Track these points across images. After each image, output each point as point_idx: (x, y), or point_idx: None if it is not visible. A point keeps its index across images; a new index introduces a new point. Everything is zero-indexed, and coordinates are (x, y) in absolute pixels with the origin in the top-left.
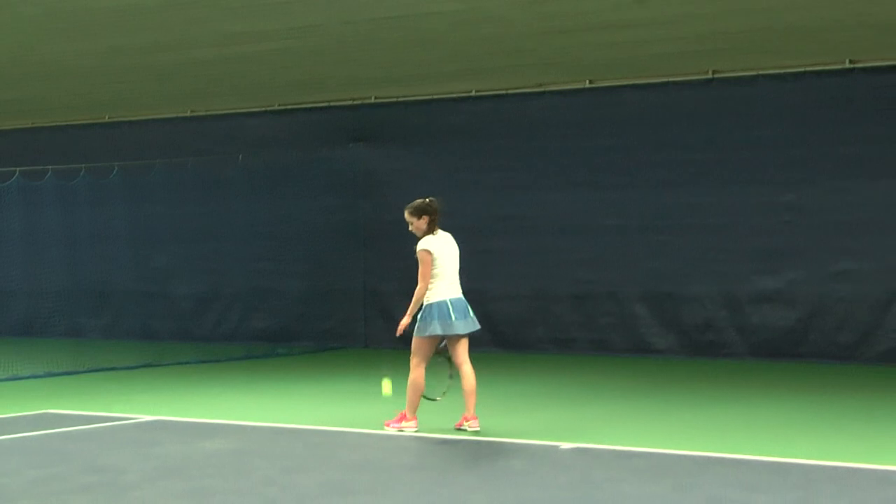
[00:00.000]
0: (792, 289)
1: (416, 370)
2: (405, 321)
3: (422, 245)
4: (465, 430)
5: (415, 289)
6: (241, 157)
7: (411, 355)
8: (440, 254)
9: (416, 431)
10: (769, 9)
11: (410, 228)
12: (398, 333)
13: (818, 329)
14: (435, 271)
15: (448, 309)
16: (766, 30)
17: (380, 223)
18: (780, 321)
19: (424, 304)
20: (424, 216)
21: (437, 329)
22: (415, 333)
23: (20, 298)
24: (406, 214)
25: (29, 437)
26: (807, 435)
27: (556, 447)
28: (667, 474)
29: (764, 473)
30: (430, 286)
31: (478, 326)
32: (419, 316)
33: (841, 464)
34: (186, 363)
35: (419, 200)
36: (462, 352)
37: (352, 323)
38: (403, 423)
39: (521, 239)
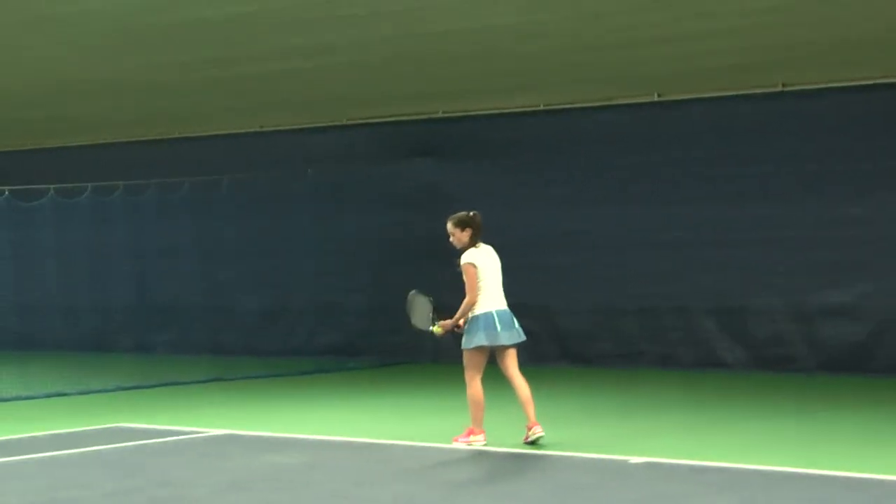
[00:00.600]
0: (861, 302)
1: (472, 383)
2: (449, 323)
3: (465, 258)
4: (535, 443)
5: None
6: (309, 172)
7: (464, 370)
8: (484, 266)
9: (484, 445)
10: (839, 20)
11: (452, 240)
12: (440, 335)
13: (889, 343)
14: (479, 283)
15: (494, 320)
16: (835, 41)
17: (446, 237)
18: (849, 335)
19: (470, 315)
20: (468, 229)
21: (482, 340)
22: (462, 346)
23: (89, 314)
24: (449, 226)
25: (100, 450)
26: (878, 450)
27: (626, 461)
28: (738, 489)
29: (835, 489)
30: (478, 301)
31: (523, 338)
32: (465, 328)
33: None
34: (254, 377)
35: (463, 213)
36: (511, 363)
37: (419, 337)
38: (472, 438)
39: (588, 253)
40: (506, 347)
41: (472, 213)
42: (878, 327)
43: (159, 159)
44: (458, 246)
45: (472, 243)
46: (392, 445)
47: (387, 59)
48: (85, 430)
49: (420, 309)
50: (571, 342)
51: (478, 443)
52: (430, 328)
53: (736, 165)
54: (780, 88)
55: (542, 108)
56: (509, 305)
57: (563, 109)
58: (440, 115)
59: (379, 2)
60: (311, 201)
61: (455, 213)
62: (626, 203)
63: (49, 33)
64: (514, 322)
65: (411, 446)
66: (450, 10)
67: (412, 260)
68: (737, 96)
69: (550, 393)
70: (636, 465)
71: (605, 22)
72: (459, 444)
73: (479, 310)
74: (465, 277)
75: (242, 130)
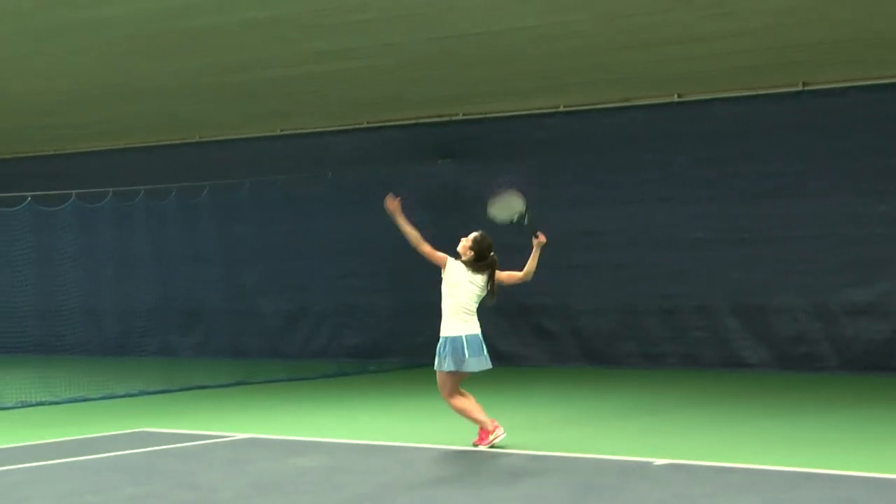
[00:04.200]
0: (886, 301)
1: (452, 401)
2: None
3: (454, 262)
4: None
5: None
6: (329, 174)
7: (440, 389)
8: (458, 282)
9: (504, 436)
10: (859, 18)
11: (460, 248)
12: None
13: None
14: (451, 302)
15: (462, 346)
16: (855, 40)
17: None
18: (874, 334)
19: (441, 336)
20: (472, 253)
21: (450, 365)
22: (435, 367)
23: (112, 318)
24: (470, 242)
25: (124, 455)
26: None
27: (649, 463)
28: (761, 490)
29: (860, 489)
30: (446, 319)
31: (489, 366)
32: (437, 349)
33: None
34: (277, 381)
35: (485, 240)
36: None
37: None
38: (490, 437)
39: (609, 253)
40: (471, 373)
41: (488, 243)
42: None
43: (180, 163)
44: (460, 251)
45: (469, 262)
46: (416, 448)
47: (406, 62)
48: (109, 435)
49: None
50: (593, 342)
51: (499, 437)
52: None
53: (757, 164)
54: (800, 87)
55: (561, 109)
56: (530, 306)
57: (584, 110)
58: (460, 116)
59: (397, 6)
60: (332, 204)
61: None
62: (647, 203)
63: (67, 40)
64: (482, 348)
65: (435, 449)
66: (470, 13)
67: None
68: (757, 96)
69: (572, 393)
70: (659, 466)
71: (624, 23)
72: (484, 447)
73: (449, 332)
74: (431, 256)
75: (263, 134)
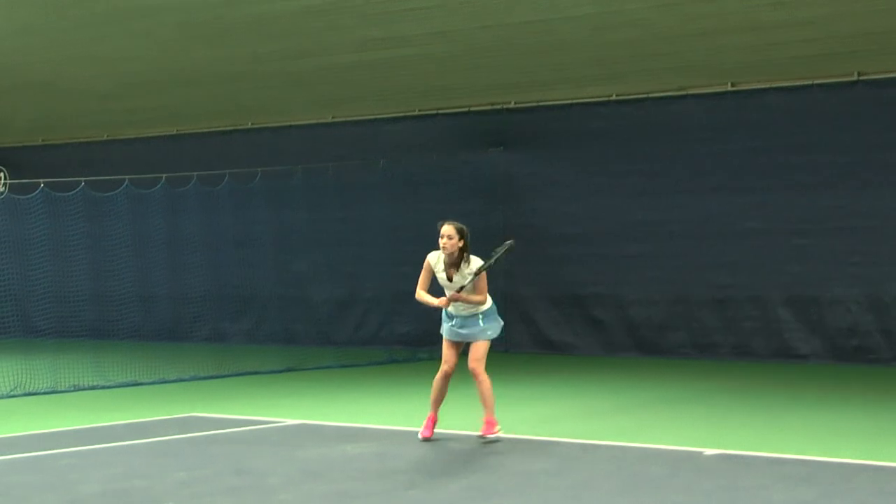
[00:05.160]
0: None
1: (485, 374)
2: (452, 297)
3: (480, 262)
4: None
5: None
6: (380, 162)
7: (483, 358)
8: None
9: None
10: None
11: (443, 242)
12: (443, 304)
13: None
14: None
15: None
16: None
17: (519, 227)
18: None
19: (489, 306)
20: (463, 240)
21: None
22: (490, 337)
23: (164, 303)
24: (451, 230)
25: (175, 439)
26: None
27: (700, 453)
28: (814, 481)
29: None
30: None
31: None
32: (491, 319)
33: None
34: (328, 367)
35: (460, 224)
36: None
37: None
38: (496, 428)
39: (662, 243)
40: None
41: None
42: None
43: (233, 150)
44: (448, 251)
45: (463, 254)
46: (464, 436)
47: (459, 50)
48: (159, 420)
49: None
50: (644, 332)
51: (498, 431)
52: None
53: (811, 154)
54: (855, 77)
55: (615, 97)
56: (583, 296)
57: (638, 99)
58: (512, 105)
59: None
60: (384, 191)
61: (525, 201)
62: (700, 193)
63: (124, 26)
64: None
65: (484, 436)
66: (525, 2)
67: (484, 249)
68: (812, 85)
69: (623, 383)
70: (710, 456)
71: (680, 11)
72: (491, 437)
73: (491, 300)
74: (482, 280)
75: (315, 121)
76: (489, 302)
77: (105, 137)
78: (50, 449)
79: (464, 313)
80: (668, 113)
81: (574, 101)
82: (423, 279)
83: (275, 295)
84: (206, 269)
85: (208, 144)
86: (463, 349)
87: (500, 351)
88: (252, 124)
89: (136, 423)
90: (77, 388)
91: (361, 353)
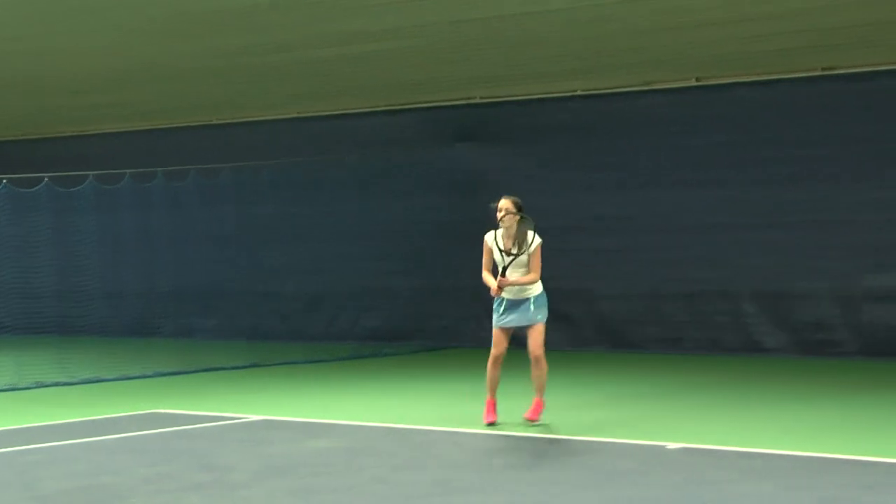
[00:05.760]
0: None
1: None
2: (510, 282)
3: (539, 239)
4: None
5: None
6: (349, 157)
7: (542, 345)
8: None
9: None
10: (881, 2)
11: (501, 216)
12: (497, 293)
13: None
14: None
15: None
16: (877, 24)
17: (487, 222)
18: (893, 320)
19: (541, 291)
20: (519, 214)
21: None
22: (542, 320)
23: (131, 299)
24: (509, 204)
25: (139, 435)
26: None
27: (663, 447)
28: (778, 475)
29: (878, 474)
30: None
31: None
32: (544, 301)
33: None
34: (295, 363)
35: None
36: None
37: (462, 322)
38: (540, 414)
39: (630, 238)
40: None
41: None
42: None
43: (201, 145)
44: (506, 224)
45: (522, 228)
46: (433, 431)
47: (427, 45)
48: (124, 416)
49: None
50: (614, 326)
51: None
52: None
53: (777, 149)
54: (820, 72)
55: (580, 92)
56: (551, 290)
57: (604, 94)
58: (478, 100)
59: None
60: (352, 186)
61: (493, 196)
62: (667, 187)
63: (90, 21)
64: None
65: (451, 431)
66: None
67: (453, 244)
68: (777, 80)
69: (592, 378)
70: (675, 450)
71: (645, 6)
72: (536, 422)
73: (541, 286)
74: (536, 258)
75: (283, 116)
76: (540, 287)
77: (71, 133)
78: (13, 446)
79: (516, 296)
80: (634, 107)
81: (541, 95)
82: (485, 260)
83: (243, 290)
84: (173, 264)
85: (176, 140)
86: (514, 334)
87: (470, 346)
88: (218, 119)
89: (101, 419)
90: (40, 385)
91: (329, 348)
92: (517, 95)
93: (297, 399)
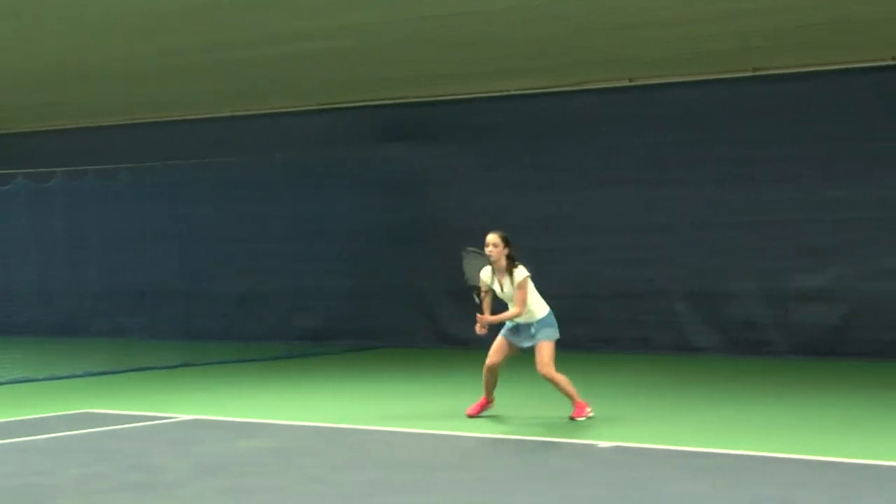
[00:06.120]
0: (836, 286)
1: (557, 375)
2: (491, 319)
3: (524, 273)
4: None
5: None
6: (280, 156)
7: (550, 362)
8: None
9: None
10: (811, 5)
11: (489, 250)
12: (481, 330)
13: (862, 327)
14: (533, 290)
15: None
16: (808, 26)
17: (420, 222)
18: (823, 319)
19: (547, 313)
20: (508, 248)
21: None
22: (549, 337)
23: (62, 298)
24: (496, 238)
25: (70, 435)
26: (850, 434)
27: (596, 445)
28: (709, 473)
29: (807, 472)
30: (540, 300)
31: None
32: (547, 323)
33: (885, 462)
34: (227, 362)
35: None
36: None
37: (393, 322)
38: (587, 410)
39: (562, 238)
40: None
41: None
42: (851, 311)
43: (133, 144)
44: (493, 259)
45: (511, 261)
46: (366, 430)
47: (360, 44)
48: (54, 416)
49: (475, 265)
50: None
51: (590, 413)
52: (478, 285)
53: (708, 149)
54: (751, 73)
55: (513, 92)
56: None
57: (537, 94)
58: (412, 99)
59: None
60: (285, 186)
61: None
62: (600, 187)
63: (16, 19)
64: None
65: (385, 431)
66: None
67: (388, 244)
68: (709, 80)
69: (522, 376)
70: (606, 448)
71: (578, 6)
72: (583, 419)
73: (547, 307)
74: (522, 292)
75: (216, 115)
76: (544, 310)
77: (1, 131)
78: None
79: (522, 321)
80: (567, 107)
81: (475, 95)
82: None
83: (175, 289)
84: (104, 263)
85: (107, 139)
86: (521, 352)
87: (403, 346)
88: (151, 118)
89: (31, 419)
90: None
91: (261, 347)
92: (451, 95)
93: (228, 398)
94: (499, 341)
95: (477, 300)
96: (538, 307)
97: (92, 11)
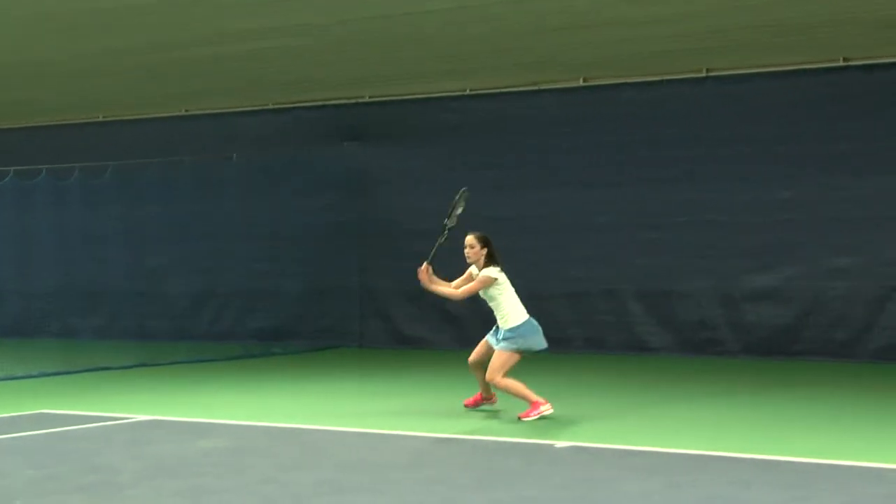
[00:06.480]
0: (787, 286)
1: (504, 382)
2: (429, 281)
3: (489, 272)
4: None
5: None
6: (235, 156)
7: (495, 370)
8: (505, 282)
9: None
10: (763, 6)
11: (467, 252)
12: (422, 277)
13: (813, 326)
14: (506, 297)
15: (535, 326)
16: (759, 27)
17: (374, 222)
18: (775, 319)
19: (515, 324)
20: (486, 248)
21: (530, 344)
22: (504, 348)
23: (13, 299)
24: (472, 239)
25: (24, 437)
26: (802, 432)
27: (551, 445)
28: (662, 472)
29: (759, 471)
30: (516, 306)
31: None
32: (511, 335)
33: (837, 461)
34: (181, 363)
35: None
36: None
37: (347, 322)
38: (541, 408)
39: (516, 238)
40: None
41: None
42: (803, 310)
43: (85, 143)
44: (471, 260)
45: (490, 262)
46: (319, 430)
47: (315, 43)
48: (8, 417)
49: (461, 210)
50: None
51: (547, 411)
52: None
53: (662, 149)
54: (704, 73)
55: (468, 92)
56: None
57: (491, 94)
58: (367, 99)
59: None
60: (239, 185)
61: (380, 196)
62: (553, 187)
63: None
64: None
65: (338, 431)
66: None
67: (340, 244)
68: (662, 81)
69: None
70: (561, 448)
71: (532, 6)
72: (532, 419)
73: (520, 319)
74: (475, 284)
75: (170, 114)
76: (518, 319)
77: None
78: None
79: (498, 325)
80: (521, 108)
81: (429, 95)
82: (458, 282)
83: (128, 290)
84: (57, 264)
85: (59, 138)
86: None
87: (355, 346)
88: (103, 117)
89: None
90: None
91: (216, 347)
92: (406, 95)
93: (183, 399)
94: (482, 341)
95: (440, 240)
96: (514, 315)
97: (46, 10)
